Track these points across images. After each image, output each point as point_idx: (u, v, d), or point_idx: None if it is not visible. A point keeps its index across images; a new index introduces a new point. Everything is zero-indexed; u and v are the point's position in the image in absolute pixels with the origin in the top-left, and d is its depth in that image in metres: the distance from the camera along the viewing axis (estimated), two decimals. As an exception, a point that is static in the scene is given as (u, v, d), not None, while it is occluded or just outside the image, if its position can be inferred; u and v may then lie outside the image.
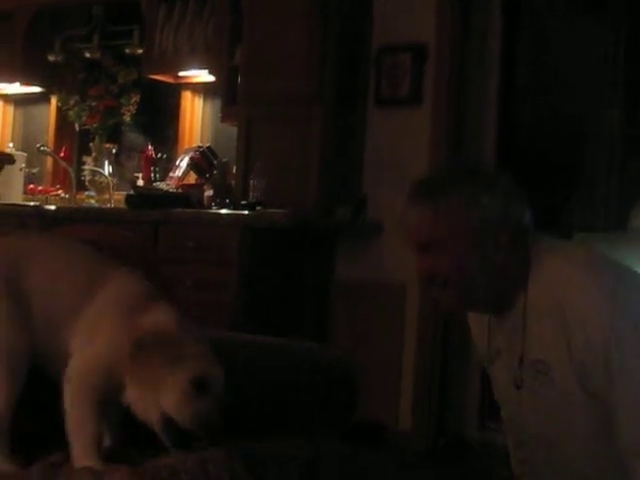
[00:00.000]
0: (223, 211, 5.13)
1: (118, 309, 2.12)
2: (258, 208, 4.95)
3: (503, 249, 2.20)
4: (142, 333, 2.05)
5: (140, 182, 6.25)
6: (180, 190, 5.83)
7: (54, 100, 7.07)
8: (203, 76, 6.11)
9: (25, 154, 6.96)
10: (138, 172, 6.42)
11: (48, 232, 2.63)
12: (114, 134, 6.78)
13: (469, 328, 2.54)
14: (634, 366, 2.09)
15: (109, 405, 2.11)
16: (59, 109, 7.02)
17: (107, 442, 2.15)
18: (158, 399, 1.99)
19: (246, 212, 4.93)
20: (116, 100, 6.67)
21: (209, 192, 5.58)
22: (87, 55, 6.67)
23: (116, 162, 6.66)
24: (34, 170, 6.99)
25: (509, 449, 2.57)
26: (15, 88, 7.15)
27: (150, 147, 6.40)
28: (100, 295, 2.14)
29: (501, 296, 2.27)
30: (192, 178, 6.04)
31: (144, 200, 5.36)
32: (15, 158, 6.65)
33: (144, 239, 4.97)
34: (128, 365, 2.03)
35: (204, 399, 1.99)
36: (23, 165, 6.86)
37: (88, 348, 2.08)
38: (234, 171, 5.54)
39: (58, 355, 2.12)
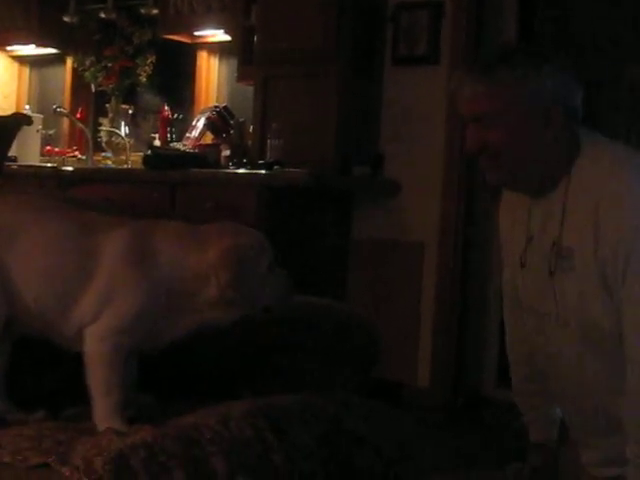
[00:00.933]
0: (240, 171, 5.13)
1: (128, 261, 2.09)
2: (275, 167, 4.94)
3: (554, 126, 2.21)
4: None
5: (157, 143, 6.26)
6: (197, 150, 5.83)
7: (70, 61, 7.07)
8: (219, 36, 6.10)
9: (41, 116, 6.97)
10: (154, 133, 6.43)
11: (32, 195, 2.51)
12: (130, 95, 6.77)
13: (500, 229, 2.53)
14: None
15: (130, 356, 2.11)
16: (75, 70, 7.02)
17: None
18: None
19: (263, 171, 4.92)
20: (132, 61, 6.66)
21: (226, 152, 5.57)
22: (102, 16, 6.64)
23: (132, 123, 6.66)
24: (51, 132, 7.00)
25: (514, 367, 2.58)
26: (31, 49, 7.16)
27: (166, 107, 6.40)
28: (102, 260, 2.09)
29: (546, 175, 2.26)
30: (209, 138, 6.03)
31: (161, 160, 5.35)
32: (32, 119, 6.66)
33: (162, 199, 4.99)
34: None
35: (276, 275, 2.17)
36: (40, 127, 6.87)
37: (113, 308, 2.06)
38: (251, 131, 5.53)
39: (72, 333, 2.11)
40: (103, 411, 2.03)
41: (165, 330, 2.10)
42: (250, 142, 5.50)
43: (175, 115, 6.39)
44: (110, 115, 6.68)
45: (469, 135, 2.27)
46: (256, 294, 2.11)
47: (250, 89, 5.56)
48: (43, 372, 2.30)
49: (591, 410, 2.31)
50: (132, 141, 6.51)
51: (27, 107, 7.15)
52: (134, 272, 2.07)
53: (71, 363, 2.10)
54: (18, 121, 6.30)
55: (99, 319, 2.05)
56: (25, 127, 6.32)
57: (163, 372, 2.28)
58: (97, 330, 2.06)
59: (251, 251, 2.10)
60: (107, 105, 6.74)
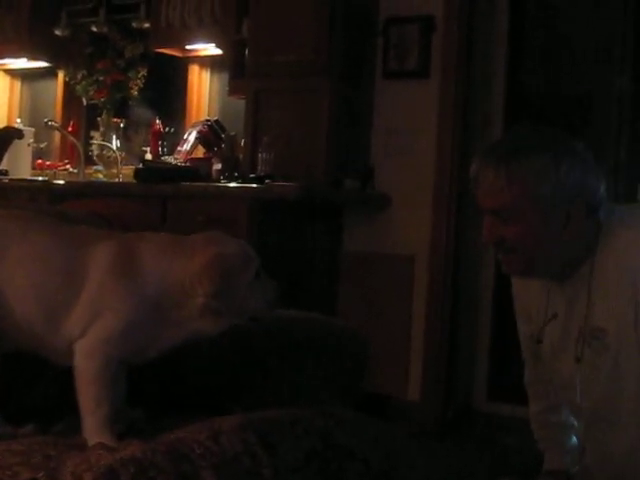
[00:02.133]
0: (231, 184, 5.13)
1: (115, 273, 2.09)
2: (267, 181, 4.95)
3: (574, 223, 2.17)
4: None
5: (148, 156, 6.26)
6: (188, 164, 5.84)
7: (61, 75, 7.07)
8: (210, 49, 6.11)
9: (33, 129, 6.97)
10: (146, 146, 6.43)
11: (20, 209, 2.49)
12: (122, 108, 6.77)
13: (515, 298, 2.50)
14: None
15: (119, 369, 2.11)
16: (66, 84, 7.02)
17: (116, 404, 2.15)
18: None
19: (254, 185, 4.92)
20: (123, 74, 6.66)
21: (217, 165, 5.58)
22: (94, 29, 6.65)
23: (124, 136, 6.66)
24: (42, 145, 6.99)
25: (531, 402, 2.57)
26: (22, 63, 7.15)
27: (158, 121, 6.40)
28: (89, 273, 2.09)
29: (568, 263, 2.24)
30: (200, 152, 6.04)
31: (153, 174, 5.35)
32: (24, 133, 6.66)
33: (153, 213, 4.99)
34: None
35: (262, 282, 2.17)
36: (31, 140, 6.87)
37: (102, 321, 2.06)
38: (242, 144, 5.54)
39: (61, 347, 2.11)
40: (93, 426, 2.03)
41: (153, 342, 2.10)
42: (241, 156, 5.51)
43: (166, 129, 6.39)
44: (101, 128, 6.68)
45: (486, 227, 2.24)
46: (242, 303, 2.10)
47: (241, 103, 5.57)
48: (32, 386, 2.30)
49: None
50: (123, 154, 6.51)
51: (18, 120, 7.14)
52: (121, 285, 2.07)
53: (61, 377, 2.10)
54: (9, 134, 6.32)
55: (88, 333, 2.05)
56: (16, 141, 6.35)
57: (154, 387, 2.28)
58: (86, 345, 2.05)
59: (236, 261, 2.10)
60: (98, 118, 6.74)
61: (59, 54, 6.91)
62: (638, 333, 2.13)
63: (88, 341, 2.05)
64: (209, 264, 2.06)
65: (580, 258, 2.22)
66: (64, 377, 2.07)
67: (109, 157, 6.50)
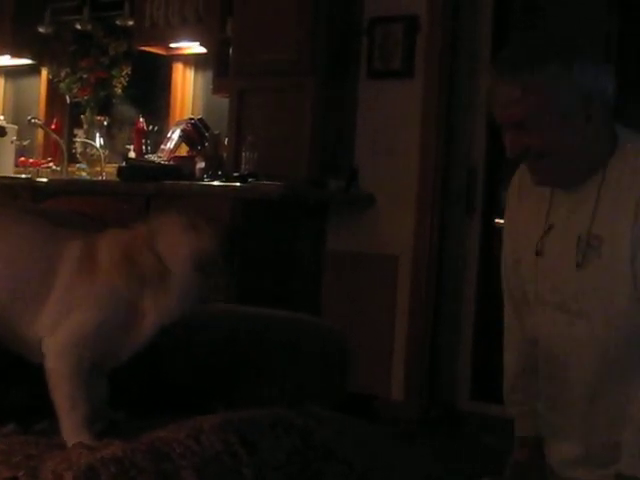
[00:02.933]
0: (215, 183, 5.13)
1: (81, 272, 2.08)
2: (250, 180, 4.95)
3: (594, 121, 2.19)
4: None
5: (132, 154, 6.25)
6: (172, 162, 5.83)
7: (45, 72, 7.06)
8: (194, 48, 6.10)
9: (16, 126, 6.96)
10: (129, 144, 6.42)
11: None
12: (105, 106, 6.76)
13: (509, 220, 2.50)
14: None
15: (97, 370, 2.11)
16: (50, 81, 7.01)
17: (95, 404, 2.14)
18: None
19: (238, 184, 4.92)
20: (107, 72, 6.65)
21: (201, 164, 5.57)
22: (78, 27, 6.65)
23: (107, 134, 6.65)
24: (25, 142, 6.98)
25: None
26: (5, 60, 7.12)
27: (141, 119, 6.39)
28: (58, 271, 2.08)
29: (582, 170, 2.26)
30: (184, 150, 6.03)
31: (136, 172, 5.35)
32: (7, 130, 6.65)
33: (136, 211, 4.98)
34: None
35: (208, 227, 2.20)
36: (14, 137, 6.86)
37: (71, 321, 2.05)
38: (226, 143, 5.54)
39: (33, 344, 2.10)
40: (70, 426, 2.01)
41: (124, 337, 2.10)
42: (225, 154, 5.50)
43: (150, 127, 6.38)
44: (85, 126, 6.68)
45: (509, 141, 2.23)
46: (203, 283, 2.14)
47: (225, 101, 5.57)
48: (13, 384, 2.28)
49: (603, 408, 2.29)
50: (107, 152, 6.51)
51: (1, 117, 7.11)
52: (88, 284, 2.07)
53: (42, 375, 2.09)
54: (-8, 132, 6.30)
55: (56, 332, 2.05)
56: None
57: (135, 387, 2.27)
58: (55, 344, 2.04)
59: (208, 251, 2.15)
60: (82, 116, 6.73)
61: (43, 51, 6.90)
62: (632, 242, 2.15)
63: (57, 341, 2.04)
64: (185, 256, 2.11)
65: (593, 165, 2.24)
66: (43, 375, 2.07)
67: (92, 155, 6.50)
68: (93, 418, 2.04)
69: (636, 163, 2.20)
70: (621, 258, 2.18)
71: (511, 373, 2.55)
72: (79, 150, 6.56)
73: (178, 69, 6.44)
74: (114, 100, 6.76)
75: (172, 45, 6.18)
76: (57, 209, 2.81)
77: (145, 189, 5.10)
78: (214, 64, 5.76)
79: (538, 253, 2.34)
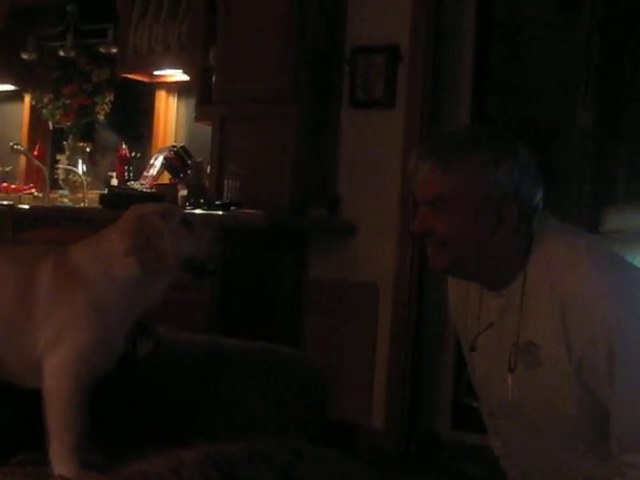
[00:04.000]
0: (197, 211, 5.12)
1: (61, 289, 2.11)
2: (232, 208, 4.95)
3: (508, 223, 2.15)
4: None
5: (114, 181, 6.25)
6: (154, 190, 5.82)
7: (28, 98, 7.06)
8: (177, 75, 6.11)
9: (-2, 152, 6.95)
10: (112, 171, 6.43)
11: None
12: (88, 133, 6.78)
13: (451, 309, 2.50)
14: (636, 361, 2.06)
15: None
16: (33, 107, 7.01)
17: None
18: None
19: (220, 212, 4.92)
20: (90, 99, 6.66)
21: (183, 192, 5.58)
22: (61, 53, 6.67)
23: (90, 161, 6.66)
24: (7, 168, 6.98)
25: (489, 434, 2.57)
26: (-12, 86, 7.13)
27: (124, 146, 6.40)
28: (36, 292, 2.11)
29: (497, 271, 2.21)
30: (166, 178, 6.03)
31: (118, 199, 5.34)
32: (-11, 157, 6.66)
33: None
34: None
35: (195, 231, 2.22)
36: (-4, 163, 6.86)
37: (68, 340, 2.06)
38: (208, 171, 5.54)
39: (22, 368, 2.11)
40: (59, 451, 2.03)
41: (116, 335, 2.12)
42: (207, 182, 5.51)
43: (133, 154, 6.39)
44: (67, 153, 6.68)
45: (418, 217, 2.22)
46: (173, 253, 2.16)
47: (208, 129, 5.58)
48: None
49: None
50: (89, 179, 6.51)
51: (-16, 143, 7.12)
52: (71, 297, 2.09)
53: (22, 404, 2.10)
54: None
55: (55, 353, 2.05)
56: (-19, 164, 6.33)
57: (115, 418, 2.27)
58: (55, 365, 2.05)
59: (151, 214, 2.20)
60: (64, 142, 6.74)
61: (26, 77, 6.92)
62: (571, 359, 2.11)
63: (56, 361, 2.05)
64: (125, 224, 2.19)
65: (513, 267, 2.19)
66: (25, 404, 2.07)
67: (75, 181, 6.49)
68: (82, 445, 2.05)
69: (549, 268, 2.15)
70: (562, 367, 2.14)
71: (496, 448, 2.58)
72: (61, 176, 6.56)
73: (161, 96, 6.45)
74: (97, 127, 6.77)
75: (155, 72, 6.19)
76: (36, 240, 2.82)
77: (127, 216, 5.08)
78: (197, 92, 5.76)
79: (472, 349, 2.36)
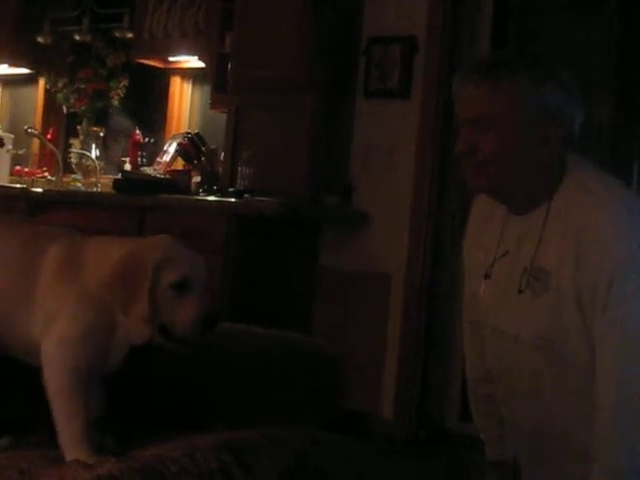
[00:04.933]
0: (210, 198, 5.14)
1: (63, 277, 2.09)
2: (245, 196, 4.96)
3: (551, 145, 2.17)
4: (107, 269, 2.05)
5: (127, 166, 6.26)
6: (168, 176, 5.84)
7: (42, 82, 7.07)
8: (193, 62, 6.10)
9: (12, 135, 6.97)
10: (125, 156, 6.43)
11: None
12: (102, 117, 6.78)
13: (469, 233, 2.50)
14: (629, 301, 2.09)
15: (93, 376, 2.10)
16: (47, 91, 7.02)
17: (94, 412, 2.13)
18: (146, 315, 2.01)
19: (233, 200, 4.93)
20: (105, 83, 6.66)
21: (197, 179, 5.59)
22: (77, 38, 6.66)
23: (103, 145, 6.67)
24: (21, 152, 6.99)
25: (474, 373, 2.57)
26: (3, 69, 7.13)
27: (138, 131, 6.40)
28: (41, 274, 2.09)
29: (529, 195, 2.23)
30: (180, 164, 6.04)
31: (132, 185, 5.36)
32: (5, 141, 6.67)
33: (131, 224, 4.99)
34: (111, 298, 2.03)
35: (189, 297, 2.02)
36: (10, 146, 6.87)
37: (58, 327, 2.05)
38: (222, 158, 5.55)
39: (24, 346, 2.12)
40: (68, 440, 2.01)
41: (113, 340, 2.10)
42: (221, 169, 5.51)
43: (146, 139, 6.39)
44: (81, 137, 6.68)
45: (462, 136, 2.21)
46: (159, 314, 2.02)
47: (222, 116, 5.58)
48: (6, 397, 2.29)
49: (549, 437, 2.30)
50: (102, 164, 6.51)
51: (-1, 127, 7.15)
52: (70, 289, 2.08)
53: (35, 387, 2.10)
54: (-10, 142, 6.31)
55: (48, 339, 2.05)
56: (-3, 148, 6.35)
57: (133, 406, 2.28)
58: (50, 353, 2.04)
59: (139, 264, 2.02)
60: (78, 127, 6.74)
61: (41, 61, 6.91)
62: (575, 285, 2.13)
63: (48, 348, 2.04)
64: (115, 263, 2.04)
65: (542, 193, 2.21)
66: (38, 387, 2.07)
67: (88, 166, 6.50)
68: (91, 430, 2.05)
69: (576, 198, 2.17)
70: (567, 294, 2.15)
71: (473, 397, 2.58)
72: (74, 161, 6.56)
73: (176, 82, 6.44)
74: (111, 111, 6.77)
75: (170, 58, 6.19)
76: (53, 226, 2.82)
77: (141, 202, 5.10)
78: (212, 79, 5.77)
79: (486, 276, 2.34)
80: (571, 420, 2.24)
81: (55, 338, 2.04)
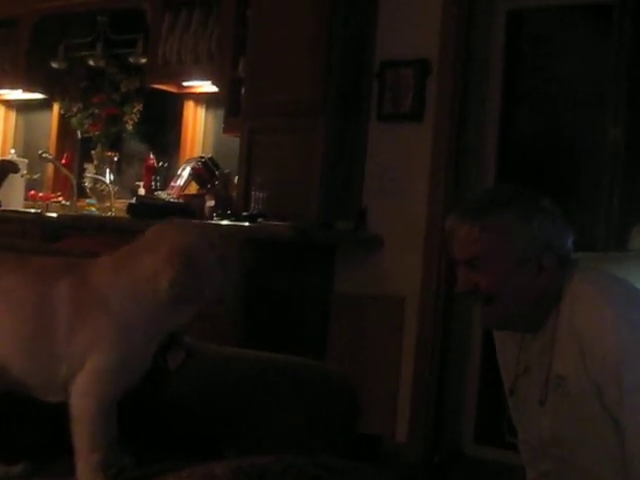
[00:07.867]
0: (224, 222, 5.14)
1: (83, 308, 2.09)
2: (259, 220, 4.96)
3: (547, 271, 2.26)
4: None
5: (141, 191, 6.27)
6: (181, 200, 5.85)
7: (56, 107, 7.11)
8: (206, 86, 6.13)
9: (26, 160, 6.99)
10: (139, 181, 6.45)
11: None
12: (116, 142, 6.81)
13: (498, 352, 2.57)
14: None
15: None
16: (61, 116, 7.05)
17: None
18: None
19: (247, 224, 4.94)
20: (119, 108, 6.69)
21: (210, 203, 5.60)
22: (91, 63, 6.71)
23: (117, 170, 6.69)
24: (35, 176, 7.01)
25: (526, 469, 2.60)
26: (18, 94, 7.18)
27: (152, 156, 6.43)
28: (56, 310, 2.09)
29: (534, 315, 2.31)
30: (193, 188, 6.06)
31: (146, 209, 5.37)
32: (20, 167, 6.69)
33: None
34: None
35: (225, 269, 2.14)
36: (24, 171, 6.89)
37: (94, 359, 2.06)
38: (235, 182, 5.56)
39: (45, 385, 2.12)
40: (86, 471, 2.03)
41: (142, 355, 2.11)
42: (234, 194, 5.52)
43: (160, 163, 6.42)
44: (95, 162, 6.71)
45: (460, 277, 2.32)
46: (206, 287, 2.12)
47: (236, 140, 5.59)
48: (24, 424, 2.29)
49: None
50: (116, 188, 6.54)
51: (12, 151, 7.16)
52: (94, 319, 2.08)
53: (52, 414, 2.10)
54: (5, 168, 6.35)
55: (82, 371, 2.05)
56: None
57: (147, 433, 2.28)
58: (81, 383, 2.05)
59: (202, 248, 2.13)
60: (92, 152, 6.78)
61: (55, 86, 6.96)
62: (589, 381, 2.19)
63: (83, 380, 2.05)
64: (171, 253, 2.08)
65: (548, 310, 2.29)
66: (56, 415, 2.07)
67: (102, 190, 6.52)
68: (108, 463, 2.05)
69: (577, 302, 2.24)
70: (588, 396, 2.21)
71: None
72: (89, 185, 6.59)
73: (189, 107, 6.47)
74: (125, 136, 6.80)
75: (184, 83, 6.22)
76: (67, 250, 2.83)
77: (155, 226, 5.10)
78: (225, 103, 5.79)
79: (511, 393, 2.45)
80: None
81: (93, 370, 2.06)
